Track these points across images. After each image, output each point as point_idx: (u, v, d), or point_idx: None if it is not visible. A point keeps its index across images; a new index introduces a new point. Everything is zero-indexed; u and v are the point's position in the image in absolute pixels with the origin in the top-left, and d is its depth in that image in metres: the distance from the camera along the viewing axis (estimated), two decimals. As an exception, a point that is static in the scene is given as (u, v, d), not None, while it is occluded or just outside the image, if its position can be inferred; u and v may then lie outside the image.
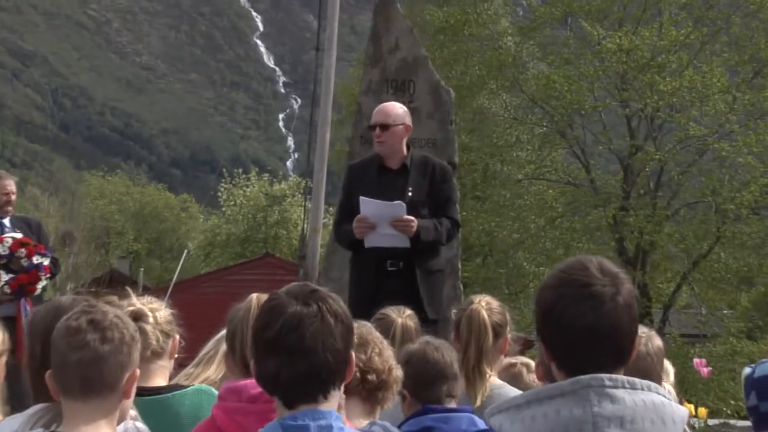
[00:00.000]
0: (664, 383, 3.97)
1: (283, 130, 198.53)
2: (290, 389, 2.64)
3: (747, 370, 3.98)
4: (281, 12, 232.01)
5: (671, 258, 27.77)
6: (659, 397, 2.66)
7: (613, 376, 2.64)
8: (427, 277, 6.88)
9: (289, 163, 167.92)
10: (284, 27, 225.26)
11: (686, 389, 21.05)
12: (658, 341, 4.19)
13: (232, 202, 48.40)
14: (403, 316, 4.74)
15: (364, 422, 3.66)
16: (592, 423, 2.58)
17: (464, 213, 22.06)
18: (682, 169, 27.24)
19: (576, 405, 2.60)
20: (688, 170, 27.33)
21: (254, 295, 3.78)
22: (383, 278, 6.79)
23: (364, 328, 3.82)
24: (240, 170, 52.78)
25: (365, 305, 6.39)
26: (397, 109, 7.01)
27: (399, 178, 6.93)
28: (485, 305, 4.83)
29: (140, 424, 3.50)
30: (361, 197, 6.74)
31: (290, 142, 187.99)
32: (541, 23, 29.07)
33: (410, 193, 6.87)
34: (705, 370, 9.90)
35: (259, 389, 3.09)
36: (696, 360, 10.04)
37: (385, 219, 6.73)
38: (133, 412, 3.50)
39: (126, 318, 3.01)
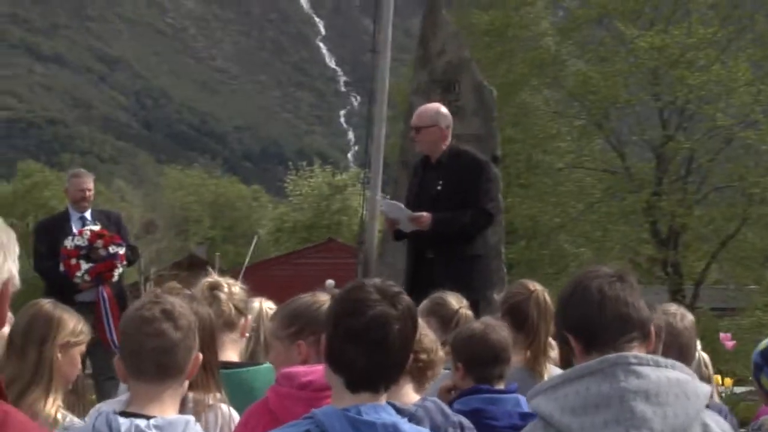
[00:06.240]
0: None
1: (344, 125, 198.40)
2: (361, 376, 2.64)
3: None
4: (341, 17, 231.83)
5: (701, 238, 27.51)
6: (683, 375, 2.68)
7: (638, 354, 2.68)
8: (462, 263, 6.82)
9: (349, 155, 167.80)
10: (344, 31, 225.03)
11: (715, 360, 20.87)
12: (690, 316, 4.25)
13: (298, 192, 48.54)
14: (463, 305, 4.79)
15: (415, 398, 3.71)
16: (619, 397, 2.60)
17: (509, 200, 21.99)
18: (711, 157, 26.93)
19: (604, 381, 2.63)
20: (716, 157, 27.01)
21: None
22: (421, 265, 6.85)
23: (412, 311, 3.84)
24: (305, 162, 52.97)
25: (407, 290, 6.46)
26: (430, 111, 7.02)
27: (435, 172, 6.99)
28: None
29: (235, 413, 3.49)
30: (384, 200, 7.11)
31: (350, 136, 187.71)
32: (579, 24, 28.79)
33: (439, 187, 6.90)
34: (729, 344, 9.80)
35: (309, 378, 3.13)
36: (721, 334, 9.94)
37: (401, 216, 6.90)
38: (219, 395, 3.50)
39: (187, 306, 3.04)
